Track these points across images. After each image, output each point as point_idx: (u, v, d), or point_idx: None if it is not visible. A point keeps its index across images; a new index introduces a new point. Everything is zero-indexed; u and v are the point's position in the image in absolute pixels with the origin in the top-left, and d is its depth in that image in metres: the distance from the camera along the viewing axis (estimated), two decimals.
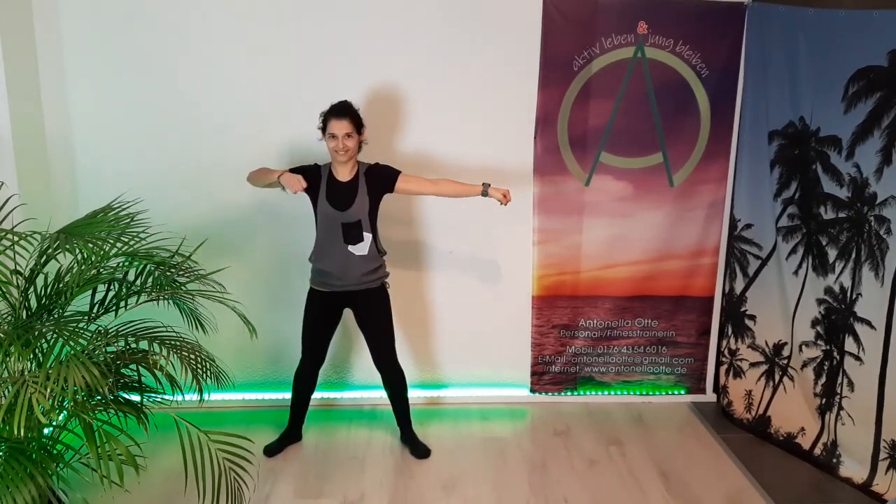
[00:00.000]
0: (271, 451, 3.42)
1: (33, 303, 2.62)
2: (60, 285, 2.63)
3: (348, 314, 3.41)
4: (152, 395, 2.61)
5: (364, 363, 3.88)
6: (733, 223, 3.81)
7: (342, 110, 3.09)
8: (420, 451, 3.44)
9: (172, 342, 2.62)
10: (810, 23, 3.26)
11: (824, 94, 3.21)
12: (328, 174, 3.19)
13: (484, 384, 4.02)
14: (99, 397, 2.39)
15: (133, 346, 2.56)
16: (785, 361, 3.63)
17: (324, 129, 3.12)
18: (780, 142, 3.52)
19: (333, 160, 3.16)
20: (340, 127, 3.06)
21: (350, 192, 3.17)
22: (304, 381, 3.45)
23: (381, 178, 3.20)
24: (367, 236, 3.19)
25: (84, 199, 3.55)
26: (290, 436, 3.50)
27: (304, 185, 3.06)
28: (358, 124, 3.13)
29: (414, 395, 3.74)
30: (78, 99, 3.50)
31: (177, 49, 3.48)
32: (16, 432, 2.06)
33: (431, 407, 3.92)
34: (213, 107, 3.55)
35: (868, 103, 3.02)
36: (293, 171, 3.18)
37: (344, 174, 3.18)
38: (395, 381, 3.43)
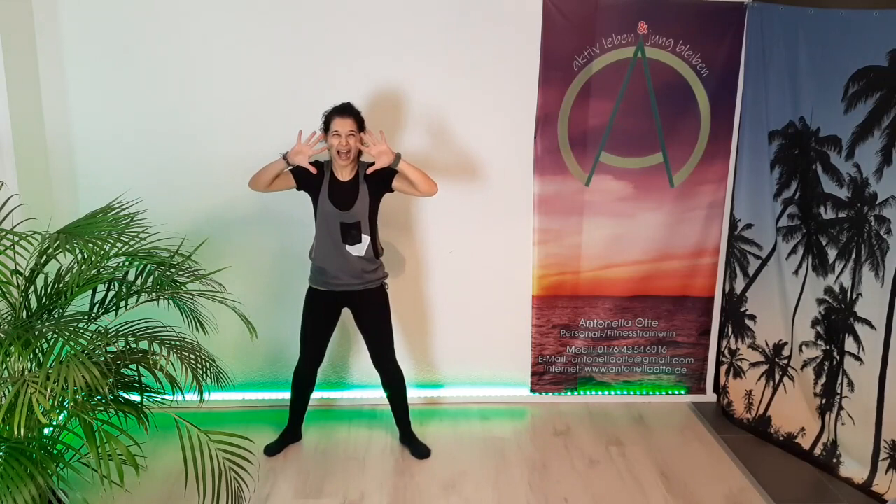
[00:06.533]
0: (271, 450, 3.42)
1: (33, 303, 2.62)
2: (60, 285, 2.63)
3: (347, 315, 3.41)
4: (152, 395, 2.61)
5: (364, 363, 3.87)
6: (733, 223, 3.81)
7: (346, 109, 3.11)
8: (420, 451, 3.44)
9: (172, 342, 2.62)
10: (810, 23, 3.26)
11: (824, 94, 3.21)
12: (330, 172, 3.19)
13: (484, 384, 4.02)
14: (99, 397, 2.40)
15: (133, 346, 2.56)
16: (785, 361, 3.64)
17: (326, 128, 3.12)
18: (780, 142, 3.52)
19: (335, 161, 3.16)
20: (344, 125, 3.07)
21: (351, 191, 3.17)
22: (303, 381, 3.45)
23: (380, 178, 3.19)
24: (366, 238, 3.19)
25: (84, 199, 3.55)
26: (290, 435, 3.50)
27: (315, 137, 3.11)
28: (360, 125, 3.14)
29: (413, 394, 3.75)
30: (78, 99, 3.50)
31: (177, 49, 3.48)
32: (16, 432, 2.06)
33: (431, 407, 3.92)
34: (214, 107, 3.55)
35: (868, 103, 3.02)
36: (295, 168, 3.17)
37: (344, 174, 3.18)
38: (394, 382, 3.42)
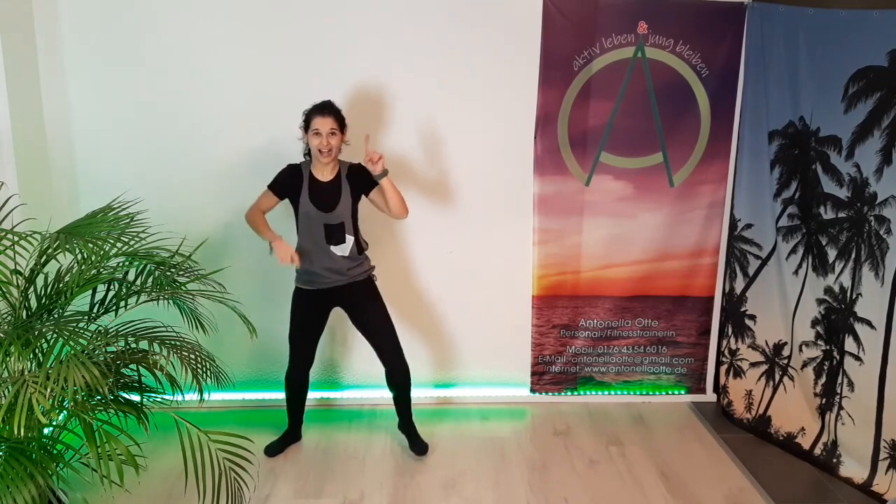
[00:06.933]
0: (272, 451, 3.42)
1: (33, 303, 2.63)
2: (60, 285, 2.63)
3: (340, 317, 3.39)
4: (152, 395, 2.61)
5: (363, 363, 3.88)
6: (733, 223, 3.81)
7: (326, 108, 3.09)
8: (419, 447, 3.42)
9: (172, 342, 2.62)
10: (810, 23, 3.26)
11: (824, 94, 3.21)
12: (309, 173, 3.18)
13: (484, 384, 4.02)
14: (99, 397, 2.40)
15: (133, 346, 2.56)
16: (785, 361, 3.64)
17: (306, 127, 3.11)
18: (780, 142, 3.52)
19: (315, 160, 3.15)
20: (325, 124, 3.05)
21: (333, 192, 3.16)
22: (295, 386, 3.43)
23: (362, 181, 3.18)
24: (350, 238, 3.18)
25: (84, 199, 3.56)
26: (291, 436, 3.50)
27: (295, 262, 3.14)
28: (341, 123, 3.12)
29: (414, 394, 3.73)
30: (78, 99, 3.50)
31: (178, 49, 3.48)
32: (16, 432, 2.06)
33: (431, 406, 3.91)
34: (215, 107, 3.55)
35: (868, 103, 3.02)
36: (272, 185, 3.20)
37: (325, 174, 3.17)
38: (399, 379, 3.37)
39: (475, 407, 3.95)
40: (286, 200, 3.24)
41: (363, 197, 3.24)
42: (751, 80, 3.61)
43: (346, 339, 3.86)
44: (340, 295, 3.28)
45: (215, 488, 2.33)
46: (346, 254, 3.19)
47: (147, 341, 2.56)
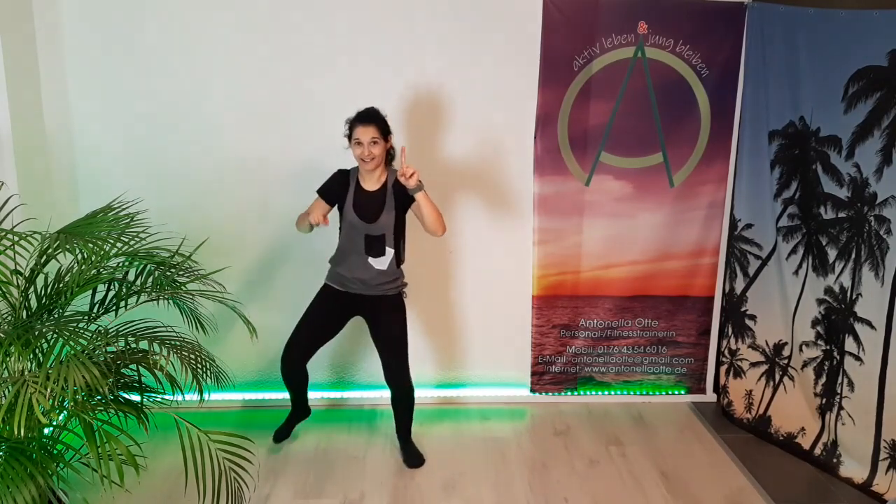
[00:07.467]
0: (280, 435, 3.42)
1: (33, 303, 2.62)
2: (60, 285, 2.63)
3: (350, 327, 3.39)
4: (152, 395, 2.61)
5: (365, 363, 3.88)
6: (733, 223, 3.81)
7: (368, 116, 3.03)
8: (412, 459, 3.37)
9: (172, 342, 2.62)
10: (810, 23, 3.26)
11: (824, 94, 3.21)
12: (356, 181, 3.15)
13: (484, 384, 4.02)
14: (99, 397, 2.40)
15: (133, 346, 2.56)
16: (785, 361, 3.64)
17: (350, 136, 3.07)
18: (780, 142, 3.52)
19: (360, 168, 3.11)
20: (366, 133, 3.00)
21: (377, 203, 3.11)
22: (294, 383, 3.39)
23: (405, 193, 3.08)
24: (390, 251, 3.13)
25: (84, 199, 3.55)
26: (298, 416, 3.49)
27: (324, 214, 3.06)
28: (384, 131, 3.07)
29: (415, 394, 3.75)
30: (78, 99, 3.50)
31: (178, 49, 3.48)
32: (16, 432, 2.06)
33: (431, 407, 3.91)
34: (215, 107, 3.55)
35: (868, 103, 3.02)
36: (321, 190, 3.16)
37: (371, 183, 3.13)
38: (402, 400, 3.33)
39: (475, 407, 3.95)
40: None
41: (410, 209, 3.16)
42: (751, 81, 3.61)
43: (347, 341, 3.85)
44: (365, 304, 3.23)
45: (215, 488, 2.33)
46: (384, 267, 3.14)
47: (147, 341, 2.56)
